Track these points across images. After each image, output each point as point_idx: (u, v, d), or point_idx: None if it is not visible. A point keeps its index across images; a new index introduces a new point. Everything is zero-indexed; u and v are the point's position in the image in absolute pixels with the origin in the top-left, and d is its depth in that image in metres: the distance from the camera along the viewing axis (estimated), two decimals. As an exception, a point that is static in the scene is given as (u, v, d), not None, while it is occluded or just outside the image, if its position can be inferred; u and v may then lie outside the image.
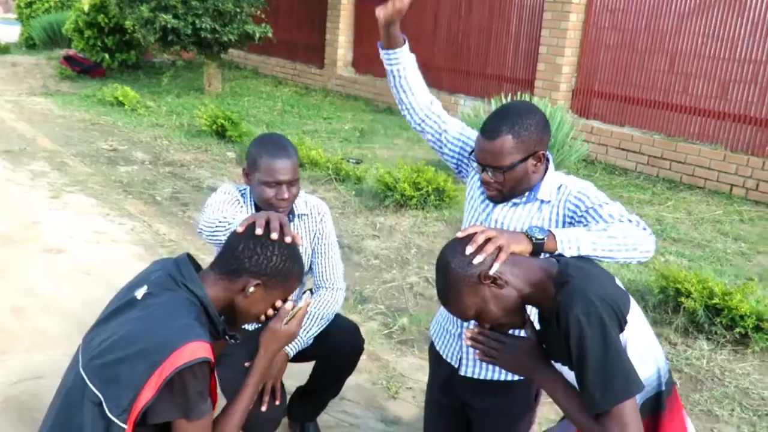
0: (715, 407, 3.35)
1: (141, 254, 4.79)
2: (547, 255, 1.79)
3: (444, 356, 2.30)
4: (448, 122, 2.30)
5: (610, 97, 8.10)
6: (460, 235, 1.75)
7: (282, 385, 2.51)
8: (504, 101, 6.90)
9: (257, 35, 10.42)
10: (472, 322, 2.12)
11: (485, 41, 9.38)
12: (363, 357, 2.82)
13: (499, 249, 1.69)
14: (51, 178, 6.47)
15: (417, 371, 3.54)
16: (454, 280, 1.69)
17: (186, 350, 1.69)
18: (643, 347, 1.64)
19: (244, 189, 2.55)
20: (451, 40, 9.92)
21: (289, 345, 2.48)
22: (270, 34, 10.61)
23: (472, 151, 2.11)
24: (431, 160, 7.30)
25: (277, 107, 10.62)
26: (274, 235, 1.86)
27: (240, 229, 1.89)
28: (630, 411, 1.55)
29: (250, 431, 2.47)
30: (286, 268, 1.88)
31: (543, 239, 1.77)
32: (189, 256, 1.93)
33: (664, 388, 1.68)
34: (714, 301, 3.90)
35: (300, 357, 2.62)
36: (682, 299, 3.99)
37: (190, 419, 1.75)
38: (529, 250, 1.75)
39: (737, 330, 3.82)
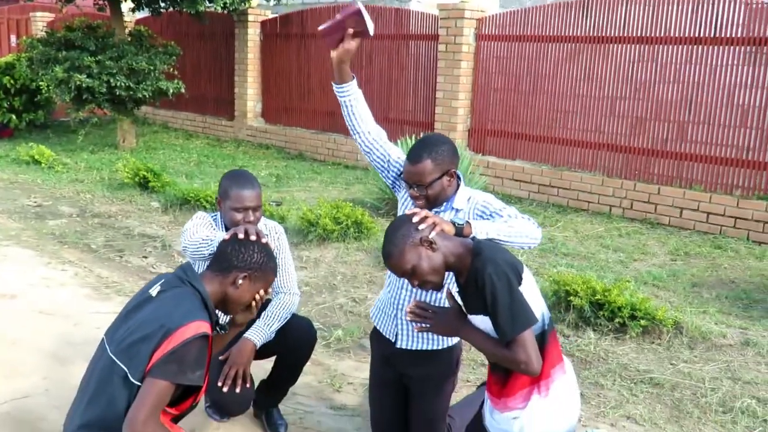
0: (600, 379, 4.09)
1: (90, 294, 5.18)
2: (464, 238, 2.46)
3: (383, 333, 2.92)
4: (391, 149, 2.90)
5: (502, 135, 9.05)
6: (407, 212, 2.40)
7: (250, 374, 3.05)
8: (409, 142, 7.66)
9: (171, 91, 10.90)
10: (407, 303, 2.77)
11: (387, 89, 10.20)
12: (308, 363, 3.36)
13: (434, 224, 2.35)
14: (-17, 235, 6.71)
15: (355, 371, 4.12)
16: (400, 240, 2.31)
17: (192, 326, 2.25)
18: (532, 298, 2.31)
19: (215, 215, 3.13)
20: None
21: (256, 337, 3.04)
22: (183, 90, 11.12)
23: (401, 173, 2.78)
24: (346, 198, 7.96)
25: (193, 158, 11.06)
26: (253, 237, 2.48)
27: (227, 237, 2.50)
28: (529, 337, 2.21)
29: (226, 409, 3.01)
30: (265, 263, 2.49)
31: (462, 225, 2.46)
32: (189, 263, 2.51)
33: (547, 327, 2.36)
34: (596, 298, 4.69)
35: (263, 353, 3.17)
36: (571, 298, 4.76)
37: (173, 383, 2.24)
38: (453, 232, 2.42)
39: (617, 320, 4.59)
